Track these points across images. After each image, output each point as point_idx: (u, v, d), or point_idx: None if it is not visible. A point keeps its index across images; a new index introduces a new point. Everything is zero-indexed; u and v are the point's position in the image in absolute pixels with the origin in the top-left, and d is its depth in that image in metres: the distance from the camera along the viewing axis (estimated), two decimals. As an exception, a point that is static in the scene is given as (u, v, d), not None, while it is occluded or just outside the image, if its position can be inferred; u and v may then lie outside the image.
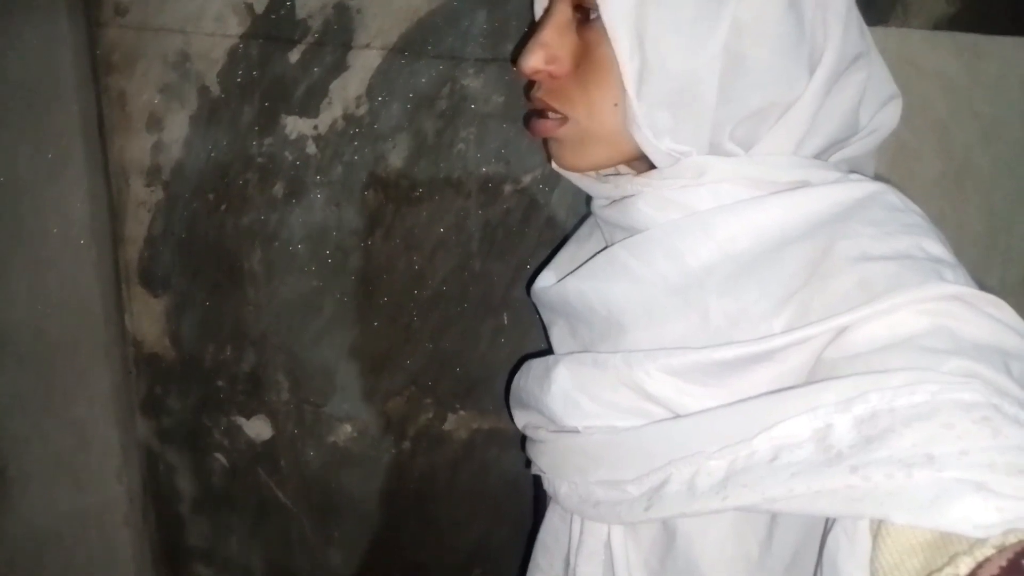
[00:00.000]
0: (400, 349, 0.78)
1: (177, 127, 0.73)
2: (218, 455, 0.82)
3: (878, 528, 0.34)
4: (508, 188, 0.74)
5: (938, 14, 0.75)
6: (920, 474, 0.32)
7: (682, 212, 0.46)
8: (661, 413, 0.45)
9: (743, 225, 0.44)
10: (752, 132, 0.45)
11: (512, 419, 0.59)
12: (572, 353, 0.51)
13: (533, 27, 0.51)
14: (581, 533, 0.52)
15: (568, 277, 0.52)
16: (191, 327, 0.78)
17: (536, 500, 0.65)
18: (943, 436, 0.33)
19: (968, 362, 0.35)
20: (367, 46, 0.71)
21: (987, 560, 0.29)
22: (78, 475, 0.80)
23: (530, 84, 0.52)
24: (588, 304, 0.50)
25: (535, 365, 0.54)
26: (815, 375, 0.40)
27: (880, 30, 0.72)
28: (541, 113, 0.50)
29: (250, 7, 0.70)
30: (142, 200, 0.75)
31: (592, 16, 0.45)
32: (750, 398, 0.41)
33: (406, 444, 0.81)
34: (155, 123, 0.73)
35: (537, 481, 0.55)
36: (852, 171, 0.47)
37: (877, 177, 0.48)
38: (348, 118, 0.72)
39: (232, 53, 0.71)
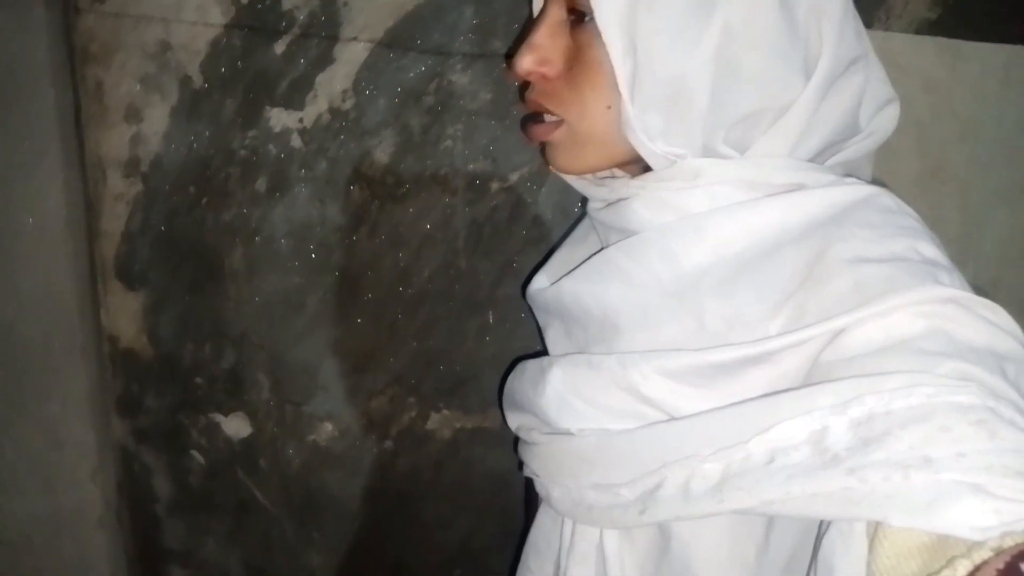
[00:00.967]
0: (384, 347, 0.77)
1: (157, 119, 0.71)
2: (195, 453, 0.80)
3: (875, 531, 0.34)
4: (495, 186, 0.73)
5: (920, 19, 0.76)
6: (917, 476, 0.32)
7: (677, 214, 0.46)
8: (656, 415, 0.45)
9: (738, 227, 0.44)
10: (746, 135, 0.45)
11: (505, 420, 0.58)
12: (566, 355, 0.51)
13: (528, 26, 0.50)
14: (572, 536, 0.52)
15: (563, 279, 0.52)
16: (169, 324, 0.76)
17: (528, 502, 0.65)
18: (940, 438, 0.33)
19: (964, 365, 0.35)
20: (354, 39, 0.70)
21: (985, 563, 0.29)
22: (51, 476, 0.77)
23: (524, 85, 0.51)
24: (583, 306, 0.50)
25: (529, 366, 0.54)
26: (811, 378, 0.40)
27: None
28: (538, 117, 0.50)
29: (234, -4, 0.69)
30: (120, 194, 0.73)
31: (586, 19, 0.45)
32: (745, 401, 0.41)
33: (388, 443, 0.80)
34: (134, 115, 0.71)
35: (529, 483, 0.55)
36: (849, 174, 0.48)
37: (872, 180, 0.48)
38: (334, 112, 0.71)
39: (215, 43, 0.69)
